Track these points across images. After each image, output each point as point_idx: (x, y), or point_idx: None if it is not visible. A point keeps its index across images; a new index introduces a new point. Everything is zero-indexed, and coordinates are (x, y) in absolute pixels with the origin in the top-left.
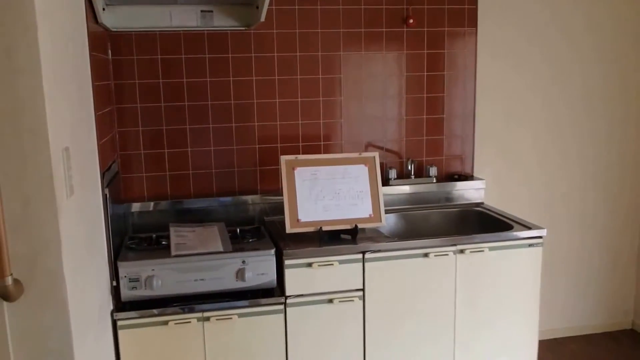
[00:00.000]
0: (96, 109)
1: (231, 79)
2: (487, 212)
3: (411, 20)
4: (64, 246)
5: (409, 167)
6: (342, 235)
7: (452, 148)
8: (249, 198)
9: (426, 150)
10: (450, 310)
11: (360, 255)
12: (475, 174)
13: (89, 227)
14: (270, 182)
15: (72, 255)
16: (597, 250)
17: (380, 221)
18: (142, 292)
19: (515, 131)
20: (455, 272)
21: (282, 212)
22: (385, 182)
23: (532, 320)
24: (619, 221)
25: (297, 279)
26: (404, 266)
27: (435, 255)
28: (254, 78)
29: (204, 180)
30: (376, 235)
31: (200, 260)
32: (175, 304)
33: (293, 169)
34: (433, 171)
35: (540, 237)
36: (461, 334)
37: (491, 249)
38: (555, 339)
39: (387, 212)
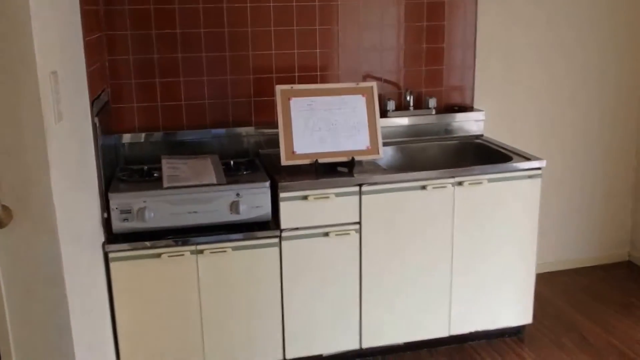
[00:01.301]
0: (85, 35)
1: (224, 5)
2: (487, 144)
3: None
4: (53, 172)
5: (408, 99)
6: (339, 168)
7: (452, 79)
8: (243, 130)
9: (425, 81)
10: (448, 243)
11: (356, 188)
12: (475, 106)
13: (79, 156)
14: (265, 114)
15: (62, 183)
16: (591, 182)
17: (378, 153)
18: (134, 224)
19: (517, 62)
20: (453, 204)
21: (277, 145)
22: (383, 114)
23: (529, 252)
24: (613, 152)
25: (292, 212)
26: (402, 199)
27: (433, 188)
28: (248, 5)
29: (197, 112)
30: (373, 168)
31: (193, 192)
32: (168, 237)
33: (288, 99)
34: (432, 102)
35: (539, 168)
36: (458, 266)
37: (490, 180)
38: (550, 272)
39: (384, 144)
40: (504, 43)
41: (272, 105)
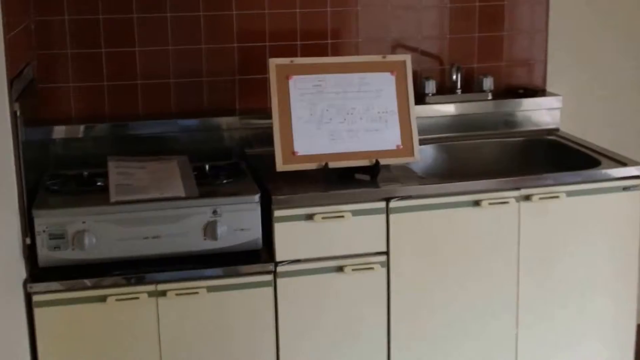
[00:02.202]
0: None
1: None
2: (564, 142)
3: None
4: None
5: (454, 78)
6: (357, 175)
7: (517, 50)
8: (224, 121)
9: (479, 53)
10: (512, 281)
11: (382, 204)
12: (548, 88)
13: None
14: (255, 98)
15: None
16: None
17: (412, 155)
18: (69, 255)
19: (609, 24)
20: (518, 227)
21: (271, 143)
22: (420, 98)
23: (627, 294)
24: None
25: (292, 237)
26: (446, 219)
27: (490, 204)
28: None
29: (159, 95)
30: (406, 175)
31: (153, 209)
32: (116, 272)
33: (287, 77)
34: (488, 83)
35: (639, 176)
36: (526, 313)
37: (570, 193)
38: None
39: (422, 142)
40: None
41: (264, 85)
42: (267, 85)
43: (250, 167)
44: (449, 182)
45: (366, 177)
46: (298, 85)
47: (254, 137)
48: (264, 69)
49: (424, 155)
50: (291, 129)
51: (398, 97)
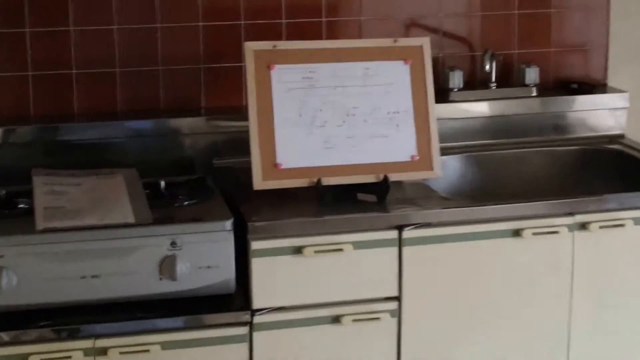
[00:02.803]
0: None
1: None
2: (632, 152)
3: None
4: None
5: (487, 68)
6: (360, 195)
7: (569, 31)
8: (185, 123)
9: (520, 35)
10: (562, 337)
11: (393, 234)
12: (610, 82)
13: None
14: (226, 93)
15: None
16: None
17: (432, 169)
18: None
19: None
20: (571, 262)
21: (246, 151)
22: (443, 95)
23: None
24: None
25: (274, 277)
26: (477, 254)
27: (534, 234)
28: None
29: (100, 89)
30: (424, 195)
31: (92, 239)
32: (43, 323)
33: (269, 67)
34: (532, 75)
35: None
36: None
37: (638, 221)
38: None
39: (445, 151)
40: None
41: (238, 79)
42: (242, 76)
43: (220, 184)
44: (480, 205)
45: (372, 198)
46: (283, 77)
47: (224, 144)
48: (239, 55)
49: (447, 170)
50: (273, 134)
51: (414, 93)
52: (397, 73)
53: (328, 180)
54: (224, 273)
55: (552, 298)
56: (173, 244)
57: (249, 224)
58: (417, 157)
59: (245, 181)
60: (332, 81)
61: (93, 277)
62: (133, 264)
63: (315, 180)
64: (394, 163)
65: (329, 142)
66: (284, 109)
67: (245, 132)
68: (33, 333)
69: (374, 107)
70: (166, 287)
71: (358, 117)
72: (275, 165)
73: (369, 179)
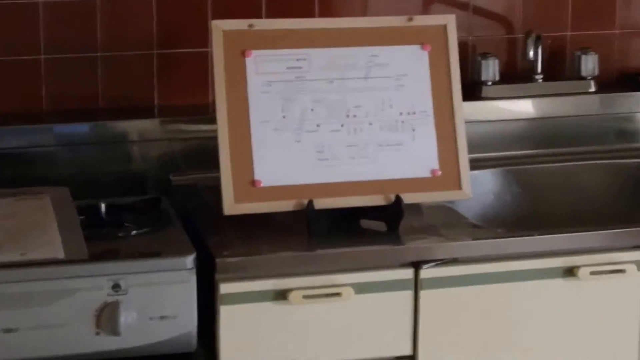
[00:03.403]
0: None
1: None
2: None
3: None
4: None
5: (531, 55)
6: (365, 222)
7: (638, 9)
8: (133, 127)
9: (574, 14)
10: None
11: (408, 273)
12: None
13: None
14: (186, 87)
15: None
16: None
17: (459, 187)
18: None
19: None
20: None
21: (214, 164)
22: (473, 90)
23: None
24: None
25: (249, 330)
26: (519, 298)
27: (592, 273)
28: None
29: (20, 81)
30: (448, 222)
31: (7, 281)
32: None
33: (243, 54)
34: (589, 65)
35: None
36: None
37: None
38: None
39: (475, 165)
40: None
41: (203, 68)
42: (208, 66)
43: (180, 208)
44: (521, 236)
45: (380, 226)
46: (262, 66)
47: (185, 155)
48: (204, 37)
49: (478, 188)
50: (250, 141)
51: (434, 88)
52: (413, 62)
53: (322, 203)
54: (183, 325)
55: (617, 356)
56: (116, 287)
57: (218, 260)
58: (440, 172)
59: (213, 204)
60: (327, 72)
61: (7, 331)
62: (62, 313)
63: (305, 202)
64: (408, 180)
65: (324, 153)
66: (264, 109)
67: (213, 139)
68: None
69: (382, 107)
70: (106, 344)
71: (361, 120)
72: (253, 182)
73: (376, 200)
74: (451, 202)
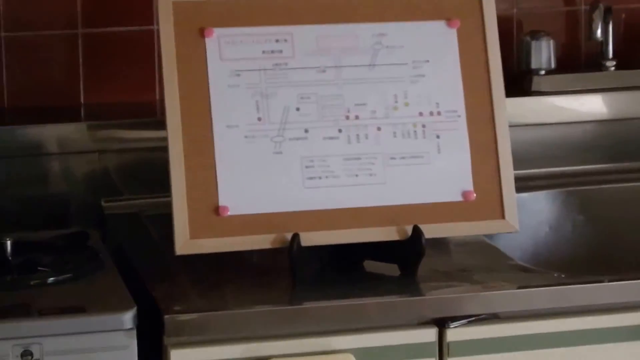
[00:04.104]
0: None
1: None
2: None
3: None
4: None
5: (599, 34)
6: (369, 263)
7: None
8: (51, 134)
9: None
10: None
11: (430, 334)
12: None
13: None
14: (124, 80)
15: None
16: None
17: (501, 216)
18: None
19: None
20: None
21: (163, 185)
22: (521, 81)
23: None
24: None
25: None
26: None
27: None
28: None
29: None
30: (486, 265)
31: None
32: None
33: (202, 32)
34: None
35: None
36: None
37: None
38: None
39: (523, 184)
40: None
41: (147, 55)
42: (153, 51)
43: (114, 245)
44: (586, 283)
45: (391, 269)
46: (228, 50)
47: (122, 172)
48: (148, 12)
49: (527, 217)
50: (212, 154)
51: (466, 80)
52: (436, 43)
53: (311, 238)
54: None
55: None
56: (26, 354)
57: (167, 317)
58: (474, 196)
59: (161, 239)
60: (318, 58)
61: None
62: None
63: (288, 237)
64: (431, 206)
65: (314, 168)
66: (231, 109)
67: (162, 151)
68: None
69: (394, 105)
70: None
71: (366, 123)
72: (216, 210)
73: (386, 234)
74: (490, 236)
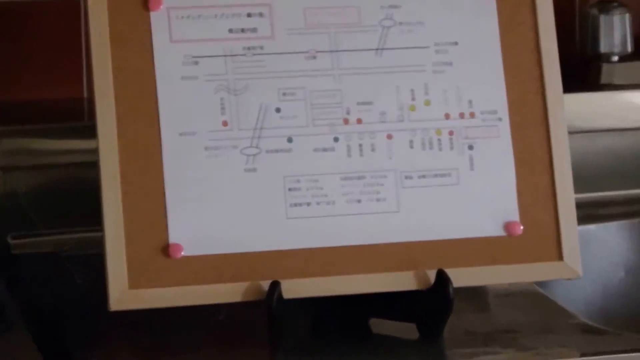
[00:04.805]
0: None
1: None
2: None
3: None
4: None
5: None
6: (377, 322)
7: None
8: None
9: None
10: None
11: None
12: None
13: None
14: (38, 70)
15: None
16: None
17: (559, 257)
18: None
19: None
20: None
21: (91, 215)
22: (584, 72)
23: None
24: None
25: None
26: None
27: None
28: None
29: None
30: (538, 322)
31: None
32: None
33: (145, 4)
34: None
35: None
36: None
37: None
38: None
39: (588, 213)
40: None
41: (71, 35)
42: (79, 29)
43: (25, 295)
44: None
45: (407, 330)
46: (181, 28)
47: (36, 198)
48: None
49: (595, 257)
50: (160, 172)
51: (509, 69)
52: (468, 19)
53: (296, 288)
54: None
55: None
56: None
57: None
58: (521, 229)
59: (90, 289)
60: (306, 39)
61: None
62: None
63: (264, 286)
64: (462, 242)
65: (300, 191)
66: (185, 110)
67: (89, 167)
68: None
69: (410, 104)
70: None
71: (372, 128)
72: (166, 250)
73: (401, 282)
74: (544, 284)
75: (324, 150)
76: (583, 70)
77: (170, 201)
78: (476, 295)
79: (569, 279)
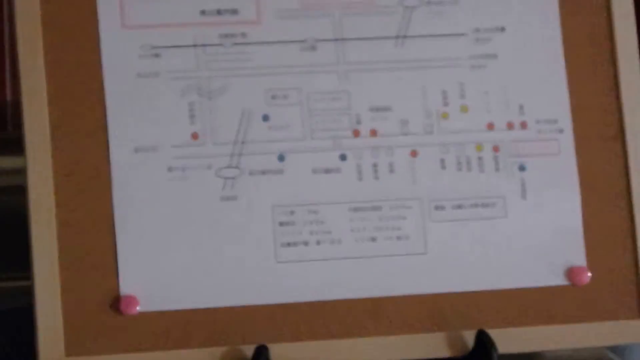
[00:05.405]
0: None
1: None
2: None
3: None
4: None
5: None
6: None
7: None
8: None
9: None
10: None
11: None
12: None
13: None
14: None
15: None
16: None
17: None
18: None
19: None
20: None
21: (16, 259)
22: None
23: None
24: None
25: None
26: None
27: None
28: None
29: None
30: None
31: None
32: None
33: None
34: None
35: None
36: None
37: None
38: None
39: None
40: None
41: None
42: (1, 9)
43: None
44: None
45: None
46: (137, 9)
47: None
48: None
49: None
50: (109, 200)
51: (573, 66)
52: (515, 5)
53: (288, 354)
54: None
55: None
56: None
57: None
58: (589, 276)
59: (16, 354)
60: (302, 24)
61: None
62: None
63: (248, 351)
64: (511, 294)
65: (296, 227)
66: (143, 118)
67: (14, 193)
68: None
69: (441, 110)
70: None
71: (390, 143)
72: (116, 303)
73: (430, 346)
74: (620, 349)
75: (327, 171)
76: None
77: (122, 239)
78: None
79: None
